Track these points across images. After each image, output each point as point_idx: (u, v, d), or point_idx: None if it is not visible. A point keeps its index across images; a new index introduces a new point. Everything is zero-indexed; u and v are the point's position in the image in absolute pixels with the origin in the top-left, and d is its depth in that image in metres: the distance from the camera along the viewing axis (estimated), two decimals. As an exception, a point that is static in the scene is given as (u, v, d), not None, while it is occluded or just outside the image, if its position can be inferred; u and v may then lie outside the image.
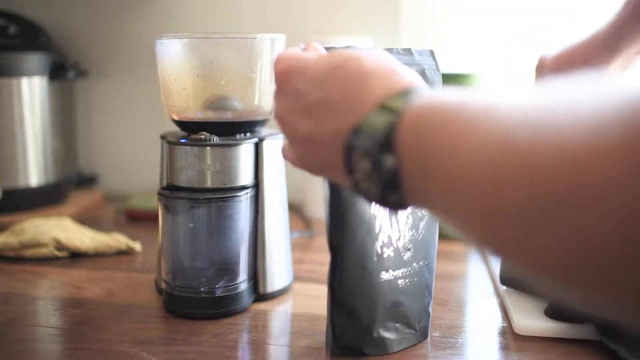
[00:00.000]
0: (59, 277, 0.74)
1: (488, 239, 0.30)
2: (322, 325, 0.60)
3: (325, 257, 0.82)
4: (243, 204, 0.63)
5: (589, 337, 0.56)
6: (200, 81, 0.63)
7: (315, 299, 0.67)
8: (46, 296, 0.68)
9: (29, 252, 0.79)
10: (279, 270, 0.67)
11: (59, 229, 0.82)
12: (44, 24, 1.09)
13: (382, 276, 0.53)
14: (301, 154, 0.45)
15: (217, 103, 0.64)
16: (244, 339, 0.58)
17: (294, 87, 0.43)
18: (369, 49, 0.44)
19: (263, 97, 0.65)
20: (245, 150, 0.63)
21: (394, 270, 0.54)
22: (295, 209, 0.98)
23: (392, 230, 0.53)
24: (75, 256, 0.81)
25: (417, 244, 0.55)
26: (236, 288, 0.63)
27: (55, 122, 1.04)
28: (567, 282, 0.27)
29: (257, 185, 0.65)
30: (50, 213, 0.98)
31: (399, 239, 0.54)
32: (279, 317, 0.63)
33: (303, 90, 0.42)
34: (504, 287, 0.65)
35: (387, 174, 0.34)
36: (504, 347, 0.56)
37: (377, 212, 0.52)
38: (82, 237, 0.81)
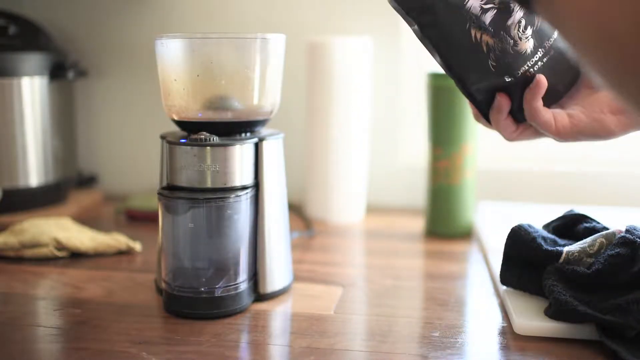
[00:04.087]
0: (59, 277, 0.74)
1: (598, 62, 0.34)
2: (323, 325, 0.60)
3: (325, 257, 0.83)
4: (243, 204, 0.63)
5: (589, 337, 0.56)
6: (200, 81, 0.63)
7: (315, 299, 0.67)
8: (46, 296, 0.69)
9: (29, 252, 0.79)
10: (279, 270, 0.67)
11: (59, 229, 0.82)
12: (44, 24, 1.10)
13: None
14: None
15: (217, 103, 0.64)
16: (244, 339, 0.58)
17: None
18: None
19: (263, 97, 0.65)
20: (245, 150, 0.63)
21: None
22: (295, 209, 0.98)
23: None
24: (75, 256, 0.81)
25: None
26: (236, 288, 0.63)
27: (55, 122, 1.04)
28: None
29: (257, 185, 0.65)
30: (50, 213, 0.98)
31: None
32: (279, 317, 0.63)
33: None
34: (504, 287, 0.65)
35: None
36: (504, 347, 0.56)
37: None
38: (82, 237, 0.81)
